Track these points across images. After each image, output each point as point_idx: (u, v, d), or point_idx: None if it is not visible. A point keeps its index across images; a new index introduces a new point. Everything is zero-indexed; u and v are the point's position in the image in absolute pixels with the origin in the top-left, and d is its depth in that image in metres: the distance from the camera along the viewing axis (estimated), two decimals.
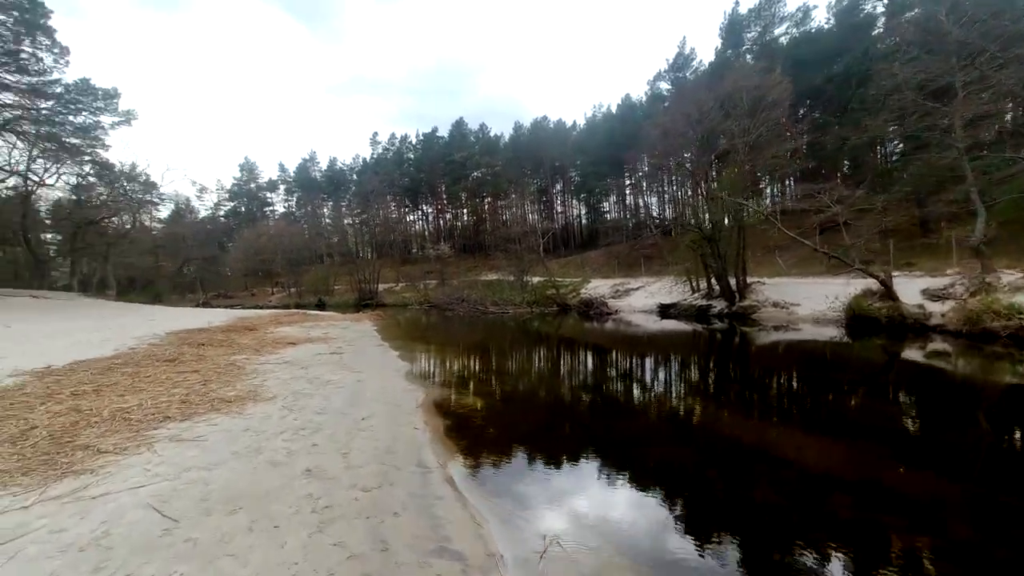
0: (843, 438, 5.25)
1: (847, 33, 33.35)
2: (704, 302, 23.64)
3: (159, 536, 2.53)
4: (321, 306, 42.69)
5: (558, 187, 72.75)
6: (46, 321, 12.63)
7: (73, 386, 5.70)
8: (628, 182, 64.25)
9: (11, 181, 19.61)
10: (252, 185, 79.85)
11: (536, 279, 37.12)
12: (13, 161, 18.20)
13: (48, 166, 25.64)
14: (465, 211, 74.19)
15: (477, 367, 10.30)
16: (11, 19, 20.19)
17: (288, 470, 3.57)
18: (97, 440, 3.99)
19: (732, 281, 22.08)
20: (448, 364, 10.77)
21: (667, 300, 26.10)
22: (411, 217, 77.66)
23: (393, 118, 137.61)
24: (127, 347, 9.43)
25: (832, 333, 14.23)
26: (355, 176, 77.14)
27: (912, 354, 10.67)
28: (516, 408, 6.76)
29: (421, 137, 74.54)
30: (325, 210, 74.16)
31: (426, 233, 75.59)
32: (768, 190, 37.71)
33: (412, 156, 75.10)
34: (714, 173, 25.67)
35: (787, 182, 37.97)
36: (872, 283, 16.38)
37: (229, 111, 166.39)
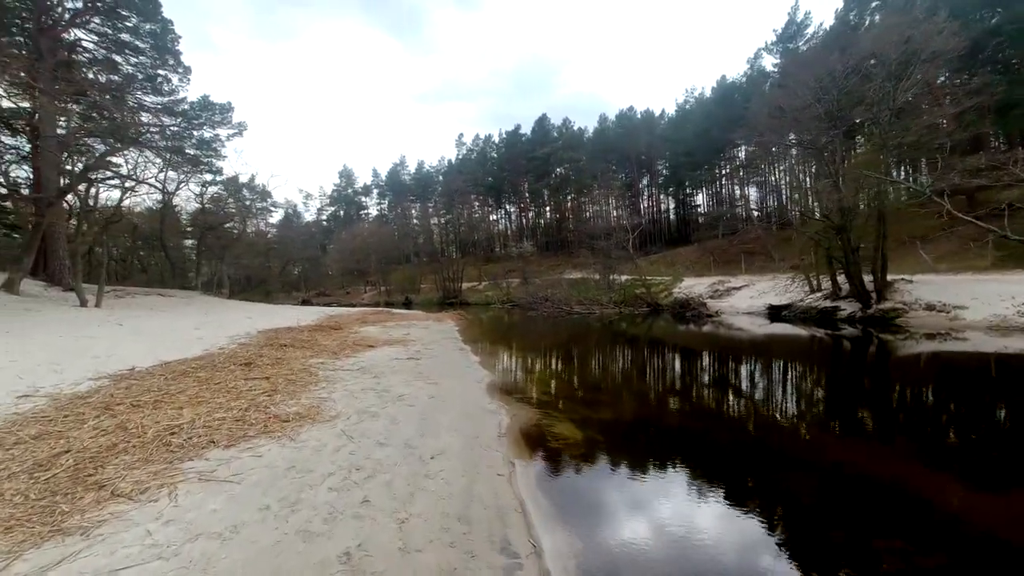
0: None
1: None
2: (828, 303, 20.14)
3: None
4: (408, 304, 44.04)
5: (645, 181, 68.93)
6: (159, 318, 13.54)
7: (139, 394, 5.32)
8: (725, 171, 58.76)
9: (143, 188, 22.20)
10: (349, 190, 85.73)
11: (623, 278, 34.87)
12: (141, 171, 20.40)
13: (178, 178, 28.87)
14: (548, 208, 73.07)
15: (568, 379, 8.95)
16: (147, 46, 22.68)
17: (320, 550, 2.52)
18: (121, 474, 3.29)
19: (868, 279, 18.46)
20: (534, 374, 9.54)
21: (778, 301, 22.81)
22: (494, 216, 78.26)
23: (477, 120, 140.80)
24: (217, 347, 9.44)
25: (1020, 344, 10.87)
26: (441, 177, 79.46)
27: None
28: (626, 443, 5.30)
29: (504, 136, 74.70)
30: (413, 211, 77.33)
31: (508, 232, 75.71)
32: (897, 171, 31.56)
33: (495, 155, 75.55)
34: (837, 152, 21.73)
35: (921, 161, 31.67)
36: None
37: (333, 123, 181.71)
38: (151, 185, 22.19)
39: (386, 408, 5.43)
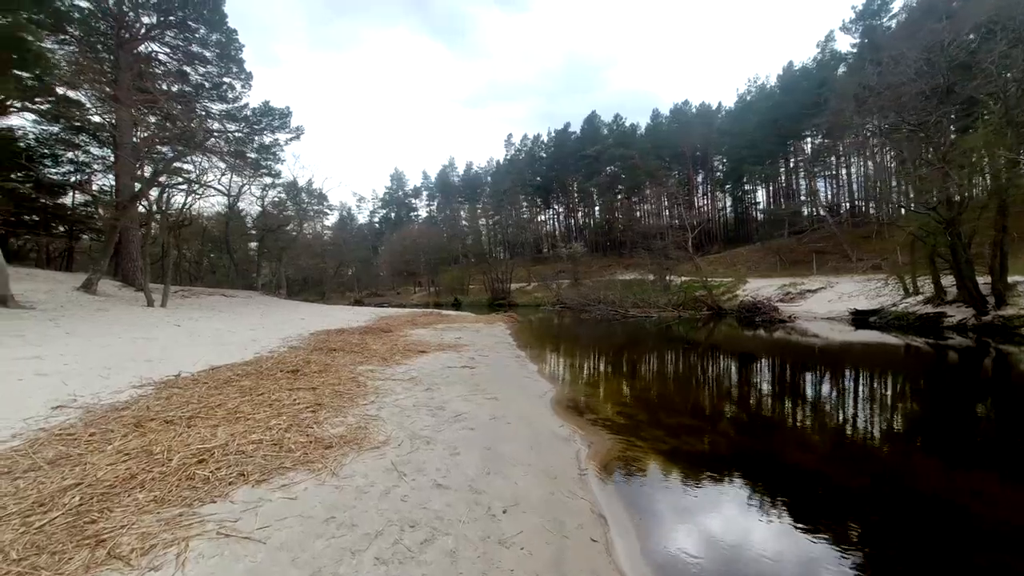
0: None
1: None
2: (930, 309, 17.73)
3: None
4: (457, 305, 43.97)
5: (699, 178, 65.69)
6: (218, 319, 13.66)
7: (176, 407, 4.83)
8: (790, 164, 54.64)
9: (210, 193, 23.17)
10: (400, 193, 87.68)
11: (679, 279, 32.92)
12: (206, 176, 21.20)
13: (241, 182, 30.14)
14: (597, 208, 71.18)
15: (641, 395, 7.84)
16: (214, 55, 23.61)
17: None
18: (127, 521, 2.66)
19: (981, 281, 15.98)
20: (601, 387, 8.51)
21: (864, 305, 20.48)
22: (542, 216, 77.32)
23: (525, 120, 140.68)
24: (268, 350, 9.12)
25: None
26: (489, 178, 79.50)
27: None
28: (736, 488, 4.19)
29: (553, 135, 73.57)
30: (462, 212, 77.74)
31: (557, 232, 74.48)
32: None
33: (544, 155, 74.65)
34: (945, 134, 18.98)
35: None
36: None
37: (384, 128, 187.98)
38: (215, 189, 23.10)
39: (442, 431, 4.64)
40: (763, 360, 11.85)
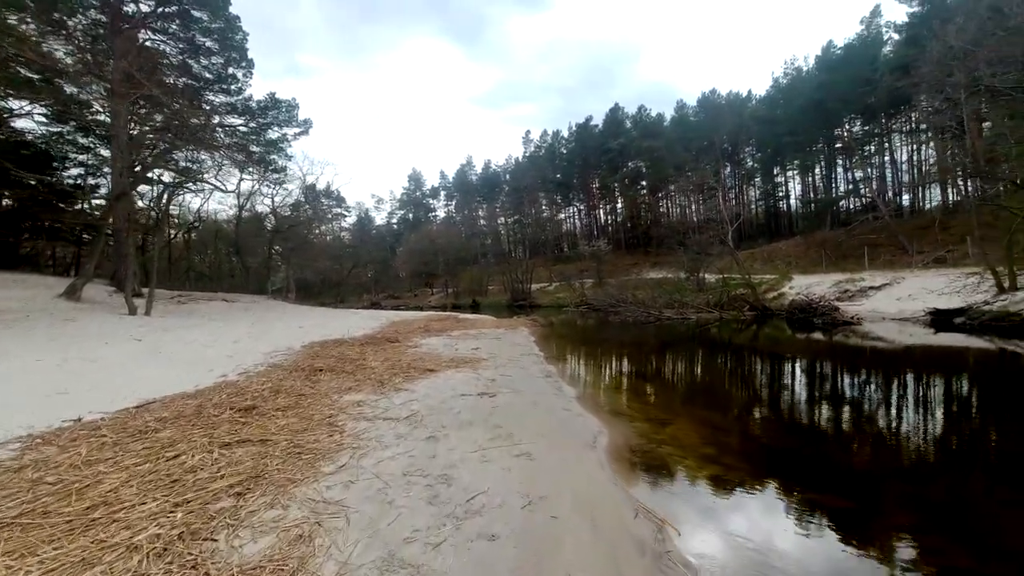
0: None
1: None
2: None
3: None
4: (475, 307, 42.13)
5: (727, 169, 62.44)
6: (201, 329, 11.95)
7: (14, 492, 2.93)
8: (832, 149, 50.93)
9: (220, 196, 21.84)
10: (418, 193, 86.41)
11: (714, 277, 30.33)
12: (207, 171, 19.77)
13: (251, 179, 28.88)
14: (620, 204, 68.46)
15: (729, 434, 5.64)
16: (215, 44, 22.22)
17: None
18: None
19: None
20: (670, 421, 6.31)
21: (946, 304, 17.92)
22: (563, 214, 74.95)
23: (544, 120, 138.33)
24: (238, 371, 7.29)
25: None
26: (508, 176, 77.50)
27: None
28: None
29: (574, 129, 71.04)
30: (480, 212, 75.95)
31: (577, 230, 72.07)
32: None
33: (565, 151, 72.25)
34: None
35: None
36: None
37: (402, 130, 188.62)
38: (216, 187, 21.72)
39: (441, 548, 2.60)
40: (873, 377, 9.46)
